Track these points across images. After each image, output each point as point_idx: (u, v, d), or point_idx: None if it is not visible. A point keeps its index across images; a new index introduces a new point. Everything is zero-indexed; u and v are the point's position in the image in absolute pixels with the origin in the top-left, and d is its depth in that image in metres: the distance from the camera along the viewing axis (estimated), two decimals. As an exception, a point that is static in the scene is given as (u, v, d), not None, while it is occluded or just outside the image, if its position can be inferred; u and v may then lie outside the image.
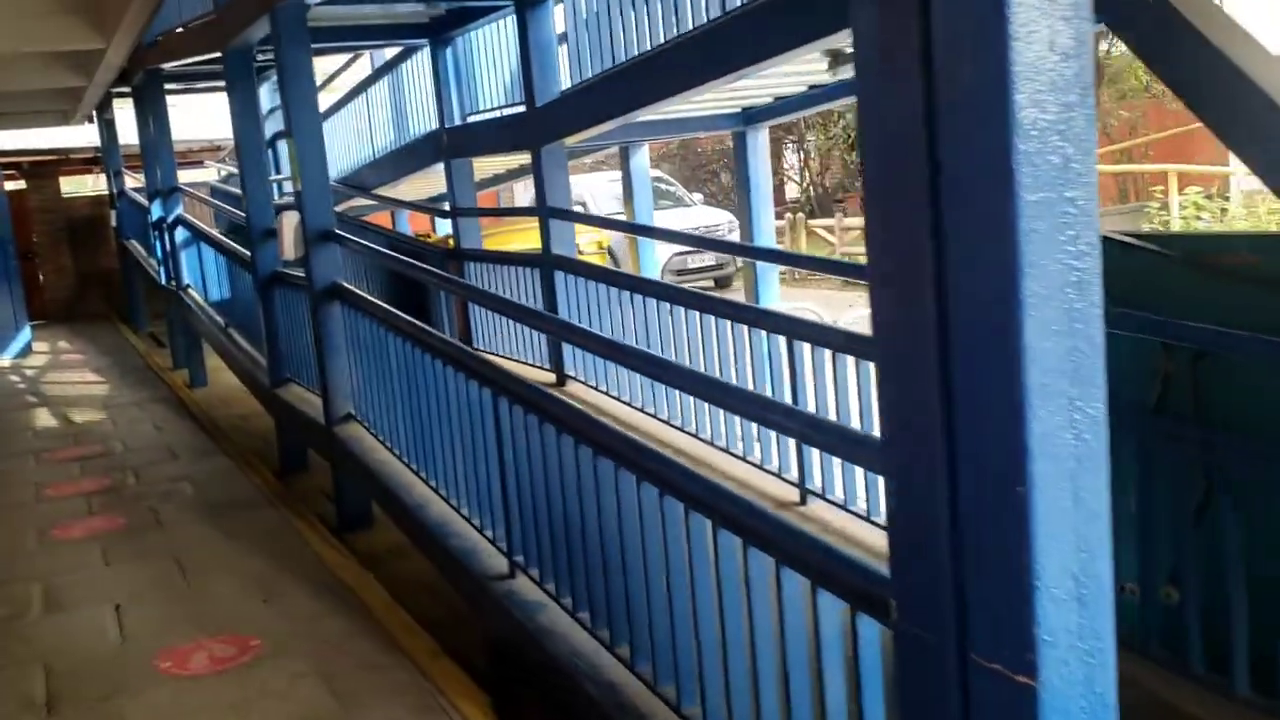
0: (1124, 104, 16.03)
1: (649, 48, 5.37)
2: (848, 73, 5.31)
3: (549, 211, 6.00)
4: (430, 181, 10.76)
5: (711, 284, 13.93)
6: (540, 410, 3.47)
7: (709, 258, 14.02)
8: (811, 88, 6.36)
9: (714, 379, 4.17)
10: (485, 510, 4.03)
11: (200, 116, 21.25)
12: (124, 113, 16.70)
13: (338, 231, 5.63)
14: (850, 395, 4.44)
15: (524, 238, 7.73)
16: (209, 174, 17.61)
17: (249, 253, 7.20)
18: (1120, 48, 15.39)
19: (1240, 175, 12.74)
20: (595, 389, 5.86)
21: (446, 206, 10.61)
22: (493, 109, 6.92)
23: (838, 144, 20.42)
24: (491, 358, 5.23)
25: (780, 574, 2.33)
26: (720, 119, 6.75)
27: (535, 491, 3.58)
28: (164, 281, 11.90)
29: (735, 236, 14.30)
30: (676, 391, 5.27)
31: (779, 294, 7.01)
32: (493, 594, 3.79)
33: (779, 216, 19.80)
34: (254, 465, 6.87)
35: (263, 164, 6.87)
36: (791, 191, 22.91)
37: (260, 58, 10.55)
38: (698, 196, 16.27)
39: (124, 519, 5.87)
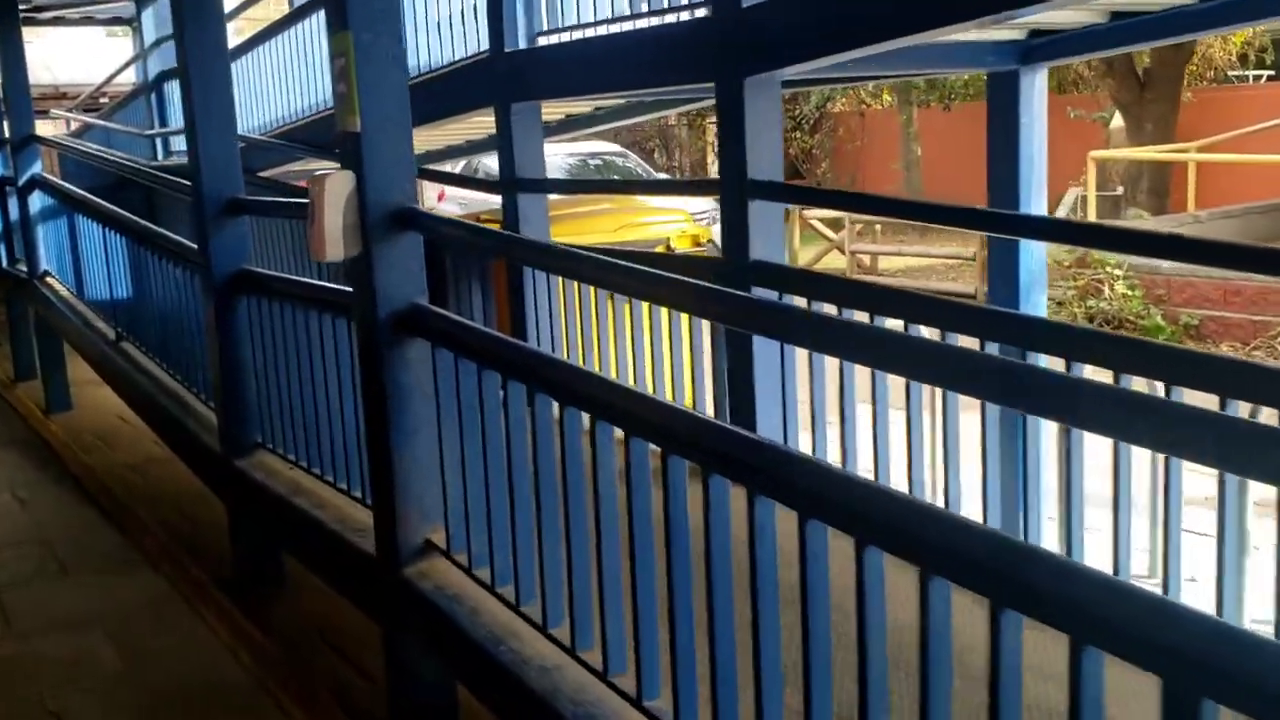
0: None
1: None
2: None
3: (753, 187, 3.56)
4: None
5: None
6: None
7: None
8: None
9: None
10: None
11: (41, 56, 17.68)
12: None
13: (424, 210, 3.07)
14: None
15: (598, 227, 5.24)
16: (51, 127, 14.30)
17: (192, 243, 4.52)
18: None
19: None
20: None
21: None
22: (596, 23, 4.39)
23: (803, 126, 18.23)
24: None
25: None
26: (979, 51, 4.37)
27: None
28: (5, 264, 8.88)
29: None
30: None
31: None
32: None
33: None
34: (202, 588, 4.20)
35: (227, 102, 4.19)
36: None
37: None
38: (663, 176, 13.87)
39: (-7, 733, 3.19)
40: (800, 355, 3.55)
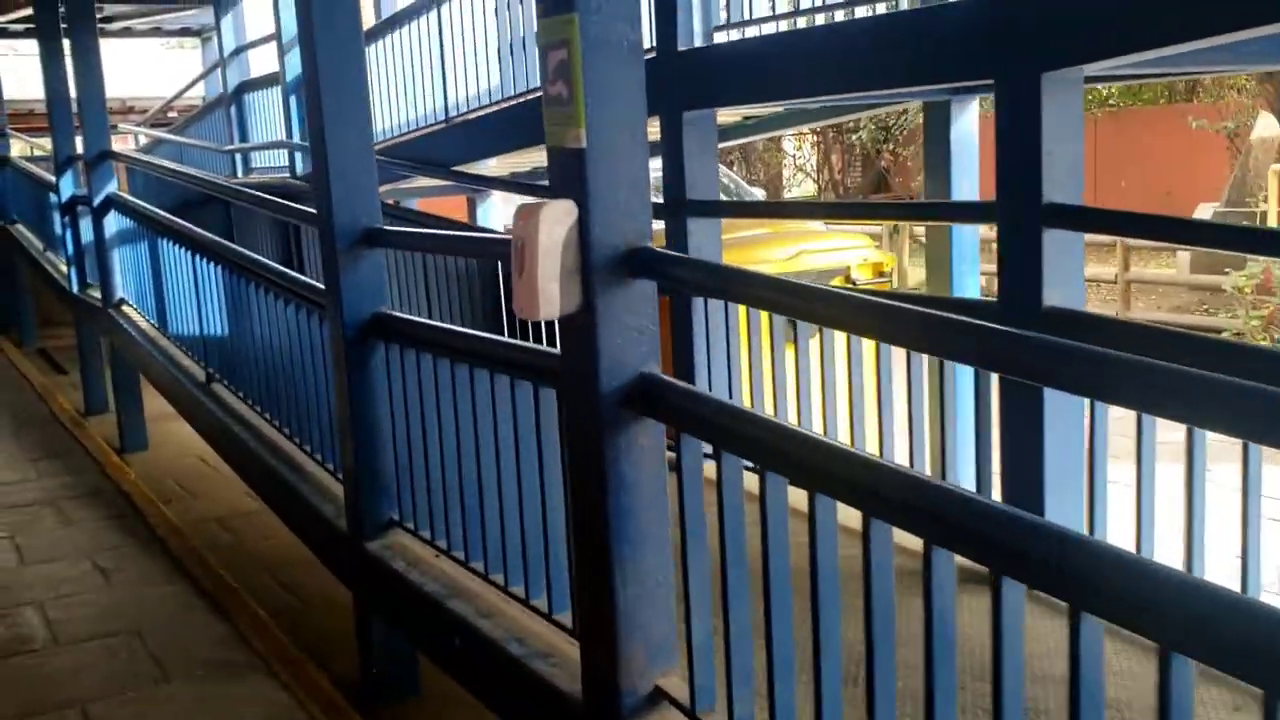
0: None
1: None
2: None
3: (1051, 212, 2.78)
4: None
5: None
6: None
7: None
8: None
9: None
10: None
11: (106, 70, 17.28)
12: (11, 58, 12.82)
13: (662, 250, 2.30)
14: None
15: (769, 255, 4.47)
16: (117, 143, 13.80)
17: (293, 271, 3.83)
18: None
19: None
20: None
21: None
22: (800, 12, 3.63)
23: (895, 135, 17.34)
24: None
25: None
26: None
27: None
28: (77, 289, 8.29)
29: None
30: None
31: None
32: None
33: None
34: (333, 706, 3.46)
35: (362, 114, 3.46)
36: (803, 190, 19.83)
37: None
38: (759, 192, 13.05)
39: None
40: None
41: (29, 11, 8.98)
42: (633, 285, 2.30)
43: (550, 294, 2.26)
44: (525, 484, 2.88)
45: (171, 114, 13.73)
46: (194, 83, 11.52)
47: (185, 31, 13.08)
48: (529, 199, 2.36)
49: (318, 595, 4.57)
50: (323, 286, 3.69)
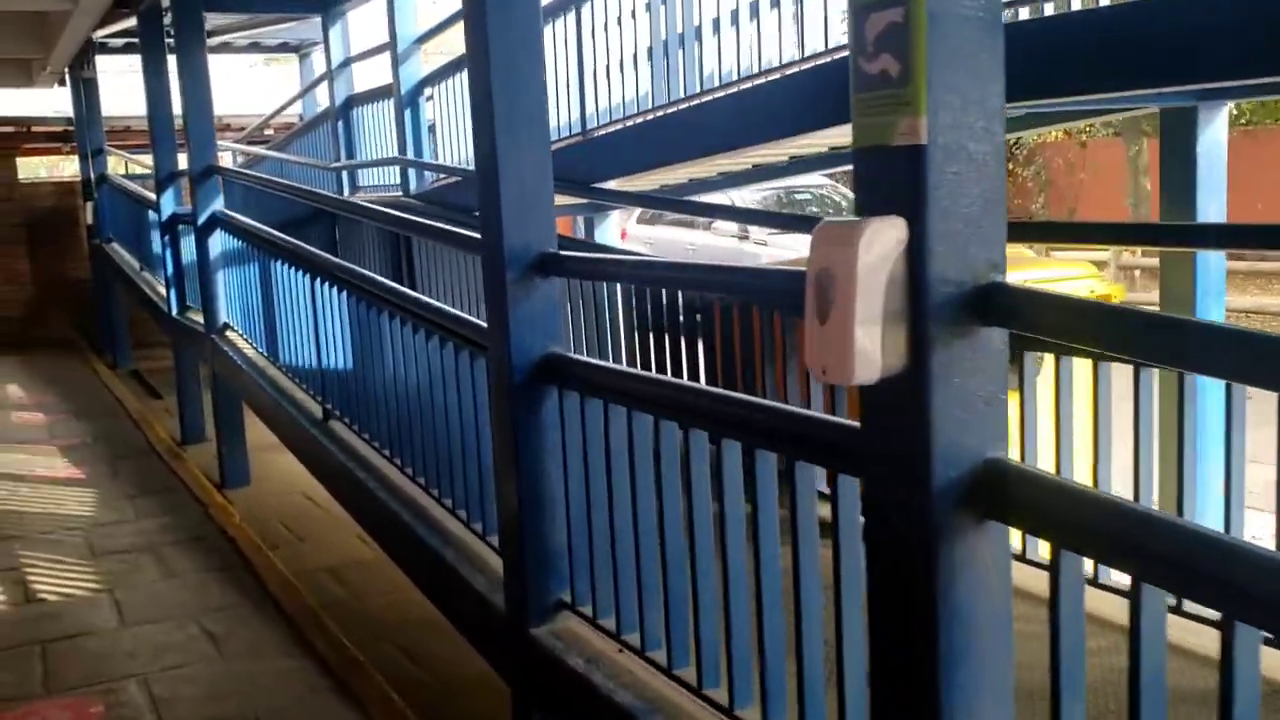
0: None
1: None
2: None
3: None
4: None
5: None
6: None
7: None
8: None
9: None
10: None
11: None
12: (109, 75, 12.62)
13: (1025, 287, 1.67)
14: None
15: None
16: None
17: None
18: None
19: None
20: None
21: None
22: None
23: (1016, 156, 16.58)
24: None
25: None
26: None
27: None
28: (175, 312, 7.89)
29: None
30: None
31: None
32: None
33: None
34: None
35: (540, 122, 2.89)
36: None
37: None
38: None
39: None
40: None
41: (124, 25, 8.63)
42: (980, 336, 1.66)
43: (870, 347, 1.63)
44: (765, 581, 2.25)
45: (268, 131, 13.44)
46: (300, 95, 11.16)
47: (284, 46, 12.77)
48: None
49: (449, 668, 4.01)
50: (478, 322, 3.13)
